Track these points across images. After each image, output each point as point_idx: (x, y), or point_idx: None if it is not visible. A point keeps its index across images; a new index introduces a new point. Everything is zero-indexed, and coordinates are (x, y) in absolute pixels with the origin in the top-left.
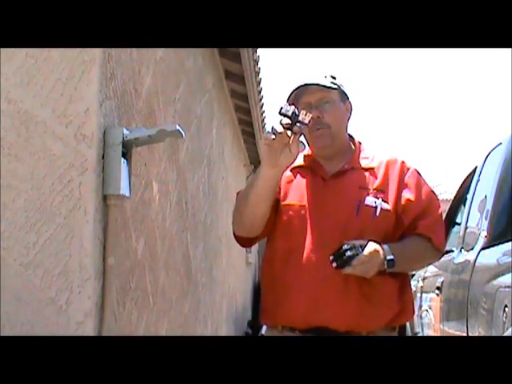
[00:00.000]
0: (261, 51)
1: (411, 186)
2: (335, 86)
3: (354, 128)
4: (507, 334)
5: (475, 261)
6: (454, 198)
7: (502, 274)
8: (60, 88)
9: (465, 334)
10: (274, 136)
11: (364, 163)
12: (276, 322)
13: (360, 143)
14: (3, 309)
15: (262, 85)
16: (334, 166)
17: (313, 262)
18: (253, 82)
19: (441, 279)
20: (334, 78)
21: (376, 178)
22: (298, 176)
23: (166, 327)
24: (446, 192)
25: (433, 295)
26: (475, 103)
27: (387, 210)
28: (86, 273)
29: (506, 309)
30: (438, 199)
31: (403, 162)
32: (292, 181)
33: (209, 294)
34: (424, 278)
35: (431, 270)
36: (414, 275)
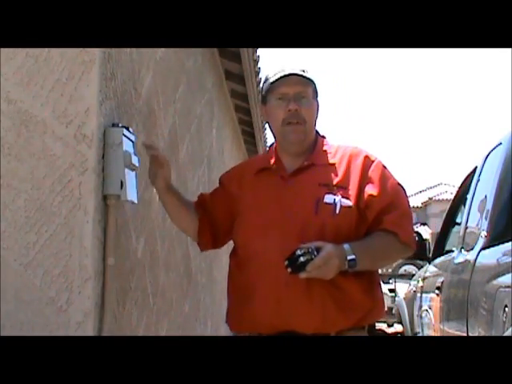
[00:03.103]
0: (261, 51)
1: (375, 180)
2: (313, 82)
3: (352, 128)
4: (507, 334)
5: (475, 261)
6: (454, 197)
7: (502, 274)
8: (60, 88)
9: (465, 334)
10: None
11: (325, 159)
12: (242, 328)
13: (324, 138)
14: (3, 309)
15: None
16: (296, 164)
17: (274, 266)
18: (253, 81)
19: (441, 279)
20: (310, 71)
21: (337, 173)
22: (261, 179)
23: (166, 327)
24: (446, 192)
25: (433, 295)
26: (475, 103)
27: (348, 207)
28: (86, 273)
29: (506, 309)
30: (405, 192)
31: (366, 156)
32: (254, 185)
33: (209, 294)
34: (424, 278)
35: (431, 269)
36: (414, 275)
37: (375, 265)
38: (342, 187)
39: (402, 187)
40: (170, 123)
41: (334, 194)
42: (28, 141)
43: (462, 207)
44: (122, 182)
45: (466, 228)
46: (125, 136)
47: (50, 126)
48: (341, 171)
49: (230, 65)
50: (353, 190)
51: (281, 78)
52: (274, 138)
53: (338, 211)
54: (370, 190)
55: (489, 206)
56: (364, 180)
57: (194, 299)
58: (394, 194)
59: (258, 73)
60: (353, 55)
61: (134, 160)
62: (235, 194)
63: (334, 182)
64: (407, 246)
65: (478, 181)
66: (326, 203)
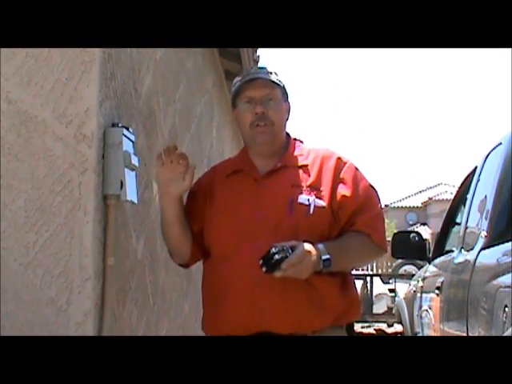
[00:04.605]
0: (261, 51)
1: (347, 182)
2: (281, 84)
3: (352, 128)
4: (507, 334)
5: (475, 261)
6: (454, 197)
7: (502, 274)
8: (60, 88)
9: (465, 334)
10: (161, 163)
11: (298, 160)
12: (215, 331)
13: (296, 140)
14: (3, 309)
15: None
16: (268, 166)
17: (248, 267)
18: None
19: (441, 279)
20: (277, 74)
21: (310, 175)
22: (233, 181)
23: (166, 327)
24: (446, 192)
25: (433, 295)
26: (475, 103)
27: (322, 207)
28: (86, 273)
29: (506, 309)
30: (377, 194)
31: (339, 158)
32: (225, 187)
33: None
34: (424, 278)
35: (431, 269)
36: (414, 275)
37: (349, 265)
38: (315, 188)
39: (375, 189)
40: (170, 123)
41: (308, 195)
42: (28, 141)
43: (462, 207)
44: (121, 182)
45: (466, 228)
46: (125, 136)
47: (49, 126)
48: (313, 173)
49: (229, 65)
50: (326, 191)
51: (247, 81)
52: (244, 141)
53: (311, 211)
54: (343, 190)
55: (489, 206)
56: (336, 181)
57: (193, 299)
58: (366, 196)
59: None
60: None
61: (134, 160)
62: (205, 201)
63: (307, 183)
64: (379, 247)
65: (478, 181)
66: (300, 203)
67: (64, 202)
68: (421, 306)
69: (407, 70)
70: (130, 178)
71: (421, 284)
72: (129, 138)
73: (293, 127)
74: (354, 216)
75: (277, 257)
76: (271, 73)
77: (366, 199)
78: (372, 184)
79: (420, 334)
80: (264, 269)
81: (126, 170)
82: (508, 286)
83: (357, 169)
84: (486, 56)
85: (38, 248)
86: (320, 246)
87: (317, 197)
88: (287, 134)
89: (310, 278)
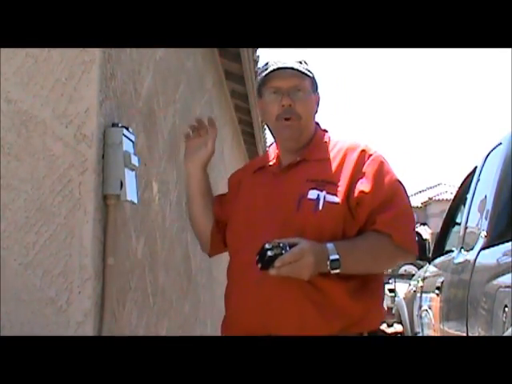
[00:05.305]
0: (261, 51)
1: (368, 176)
2: (310, 74)
3: (352, 128)
4: (507, 334)
5: (475, 261)
6: (454, 197)
7: (502, 274)
8: (60, 88)
9: (465, 334)
10: (191, 133)
11: (319, 154)
12: (227, 331)
13: (325, 132)
14: (3, 309)
15: None
16: (290, 160)
17: (247, 265)
18: (253, 82)
19: (441, 279)
20: (307, 63)
21: (328, 168)
22: (256, 177)
23: (166, 327)
24: (446, 192)
25: (433, 295)
26: (475, 103)
27: (333, 203)
28: (86, 273)
29: (506, 309)
30: (404, 190)
31: (363, 150)
32: (249, 184)
33: (209, 294)
34: (424, 278)
35: (431, 269)
36: (414, 275)
37: (363, 268)
38: (331, 182)
39: (402, 184)
40: (170, 123)
41: (319, 190)
42: (28, 141)
43: (462, 207)
44: (121, 182)
45: (466, 228)
46: (125, 136)
47: (49, 126)
48: (333, 166)
49: (229, 65)
50: (342, 186)
51: (274, 70)
52: (271, 133)
53: (320, 207)
54: (362, 186)
55: (489, 205)
56: (356, 175)
57: (193, 299)
58: (390, 192)
59: (257, 73)
60: (353, 55)
61: (134, 160)
62: (235, 194)
63: (323, 178)
64: (404, 249)
65: (478, 181)
66: (309, 199)
67: (64, 202)
68: (421, 306)
69: (407, 70)
70: (129, 178)
71: (421, 284)
72: (129, 138)
73: None
74: (374, 214)
75: (269, 253)
76: (301, 62)
77: (389, 196)
78: (399, 179)
79: (420, 334)
80: (259, 265)
81: (126, 169)
82: (508, 286)
83: (382, 162)
84: (486, 56)
85: (38, 248)
86: (329, 245)
87: (330, 192)
88: (317, 125)
89: (316, 279)
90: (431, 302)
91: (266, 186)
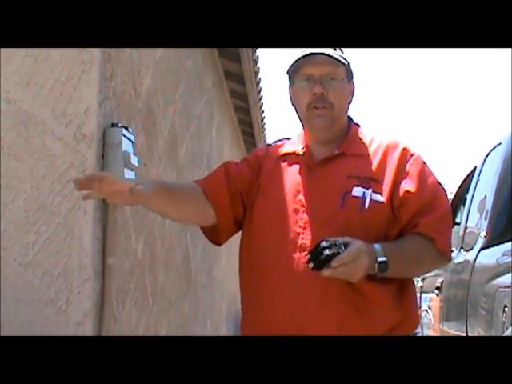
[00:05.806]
0: (260, 51)
1: (413, 176)
2: (345, 62)
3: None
4: (507, 334)
5: (475, 261)
6: (454, 197)
7: (502, 274)
8: (60, 88)
9: (464, 334)
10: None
11: (358, 148)
12: (250, 333)
13: (359, 126)
14: (3, 309)
15: (261, 85)
16: (325, 153)
17: (288, 265)
18: (252, 81)
19: (440, 279)
20: (342, 51)
21: (370, 165)
22: (284, 165)
23: (166, 327)
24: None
25: (432, 295)
26: (475, 103)
27: (379, 203)
28: (86, 273)
29: (506, 309)
30: (445, 192)
31: (405, 148)
32: (275, 171)
33: (209, 294)
34: (424, 278)
35: None
36: None
37: (407, 272)
38: (375, 180)
39: (442, 187)
40: (170, 123)
41: (365, 188)
42: (28, 141)
43: (462, 207)
44: None
45: (466, 228)
46: (124, 136)
47: (49, 126)
48: (375, 163)
49: (229, 65)
50: (387, 185)
51: (307, 56)
52: (301, 123)
53: (367, 206)
54: (407, 186)
55: (488, 206)
56: (400, 174)
57: (193, 299)
58: (433, 194)
59: (257, 73)
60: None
61: (134, 160)
62: (254, 176)
63: (366, 175)
64: (443, 255)
65: (478, 181)
66: (354, 196)
67: (64, 201)
68: (420, 306)
69: (407, 70)
70: (129, 178)
71: (420, 284)
72: (128, 138)
73: (292, 127)
74: (417, 216)
75: (327, 252)
76: (335, 48)
77: (432, 198)
78: (440, 181)
79: (420, 334)
80: (311, 265)
81: (126, 169)
82: (507, 286)
83: (424, 162)
84: (486, 56)
85: (38, 248)
86: (376, 246)
87: (375, 191)
88: (349, 118)
89: (359, 282)
90: (431, 302)
91: (298, 177)
